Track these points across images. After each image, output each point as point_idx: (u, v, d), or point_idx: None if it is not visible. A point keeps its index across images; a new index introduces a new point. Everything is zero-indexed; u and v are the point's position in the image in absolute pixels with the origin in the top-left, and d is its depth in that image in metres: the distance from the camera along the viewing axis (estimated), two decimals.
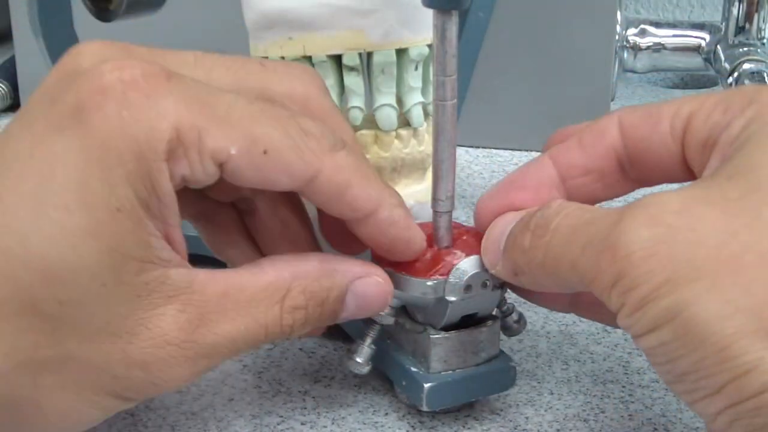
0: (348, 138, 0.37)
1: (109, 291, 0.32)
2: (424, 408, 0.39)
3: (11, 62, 0.76)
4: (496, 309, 0.41)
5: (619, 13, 0.70)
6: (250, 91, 0.36)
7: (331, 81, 0.43)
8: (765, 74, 0.66)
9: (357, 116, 0.43)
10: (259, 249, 0.41)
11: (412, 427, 0.40)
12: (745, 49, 0.69)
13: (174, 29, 0.70)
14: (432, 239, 0.39)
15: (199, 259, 0.52)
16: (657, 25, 0.74)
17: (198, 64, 0.36)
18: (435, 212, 0.39)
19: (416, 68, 0.43)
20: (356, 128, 0.43)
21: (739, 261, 0.29)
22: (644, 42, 0.74)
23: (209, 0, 0.69)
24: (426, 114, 0.44)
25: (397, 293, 0.39)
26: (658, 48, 0.74)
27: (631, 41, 0.74)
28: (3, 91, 0.75)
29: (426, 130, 0.44)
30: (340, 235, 0.39)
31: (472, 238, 0.40)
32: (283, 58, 0.43)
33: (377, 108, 0.43)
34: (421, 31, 0.42)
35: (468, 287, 0.38)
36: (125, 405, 0.35)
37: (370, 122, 0.43)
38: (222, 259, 0.42)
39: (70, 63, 0.35)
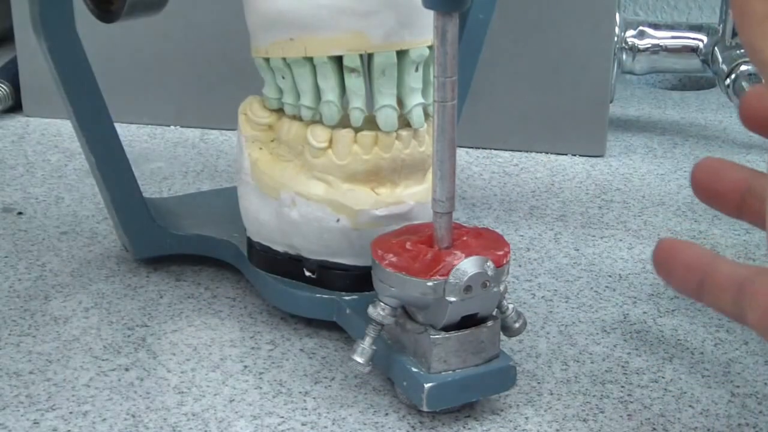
0: None
1: None
2: (425, 408, 0.39)
3: (13, 63, 0.76)
4: (496, 309, 0.41)
5: (617, 15, 0.71)
6: None
7: (331, 82, 0.43)
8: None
9: (358, 117, 0.43)
10: None
11: (413, 427, 0.40)
12: (743, 50, 0.69)
13: (175, 31, 0.70)
14: (432, 240, 0.40)
15: (199, 259, 0.52)
16: (655, 27, 0.74)
17: None
18: (435, 213, 0.39)
19: (417, 69, 0.43)
20: (357, 129, 0.43)
21: None
22: (643, 44, 0.74)
23: (211, 2, 0.69)
24: (426, 115, 0.44)
25: (397, 293, 0.39)
26: (657, 50, 0.74)
27: (629, 43, 0.74)
28: (5, 92, 0.74)
29: (426, 131, 0.44)
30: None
31: (472, 239, 0.40)
32: (284, 59, 0.43)
33: (378, 109, 0.43)
34: (421, 32, 0.42)
35: (468, 288, 0.38)
36: None
37: (371, 123, 0.43)
38: None
39: None
